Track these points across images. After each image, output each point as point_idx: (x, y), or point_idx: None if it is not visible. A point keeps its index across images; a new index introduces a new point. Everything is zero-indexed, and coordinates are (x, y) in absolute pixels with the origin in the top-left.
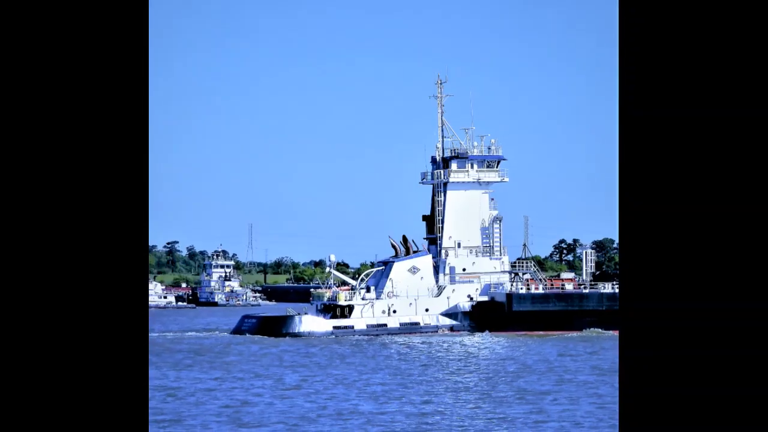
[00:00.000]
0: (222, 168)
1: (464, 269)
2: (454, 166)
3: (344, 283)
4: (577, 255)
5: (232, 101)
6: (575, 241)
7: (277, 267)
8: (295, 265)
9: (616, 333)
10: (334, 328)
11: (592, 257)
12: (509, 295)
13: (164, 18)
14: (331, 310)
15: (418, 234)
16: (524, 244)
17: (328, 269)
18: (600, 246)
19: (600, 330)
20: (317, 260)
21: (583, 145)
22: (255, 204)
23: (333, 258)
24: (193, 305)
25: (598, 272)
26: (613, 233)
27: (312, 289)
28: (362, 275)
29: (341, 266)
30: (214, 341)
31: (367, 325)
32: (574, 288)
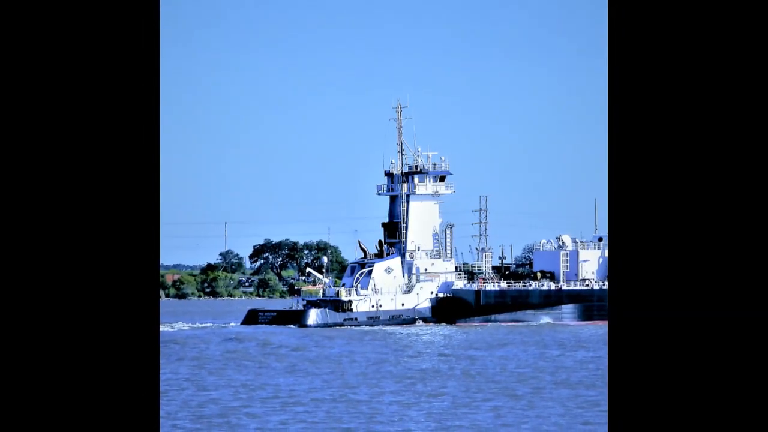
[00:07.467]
0: (206, 184)
1: (426, 269)
2: (416, 180)
3: (318, 280)
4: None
5: (223, 133)
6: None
7: None
8: None
9: (550, 320)
10: (345, 320)
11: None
12: (478, 292)
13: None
14: (329, 303)
15: (374, 237)
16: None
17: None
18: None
19: (546, 318)
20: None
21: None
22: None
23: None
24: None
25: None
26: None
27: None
28: (356, 275)
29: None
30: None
31: (367, 317)
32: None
